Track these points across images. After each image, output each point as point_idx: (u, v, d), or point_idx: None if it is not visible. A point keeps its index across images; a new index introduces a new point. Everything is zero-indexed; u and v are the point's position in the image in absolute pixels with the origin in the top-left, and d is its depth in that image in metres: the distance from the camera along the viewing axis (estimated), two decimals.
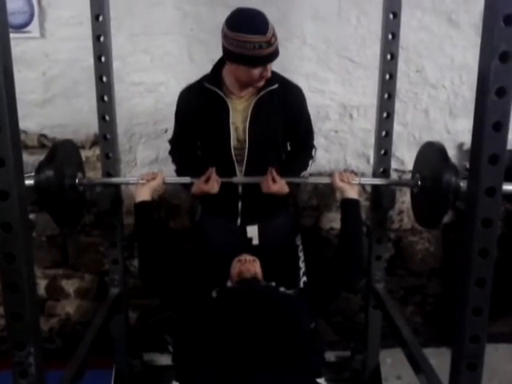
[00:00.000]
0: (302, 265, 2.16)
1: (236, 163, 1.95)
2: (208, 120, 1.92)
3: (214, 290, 1.71)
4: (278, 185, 1.89)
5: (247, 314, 1.54)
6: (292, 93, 1.95)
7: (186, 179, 1.96)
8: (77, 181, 1.86)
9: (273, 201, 1.99)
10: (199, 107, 1.92)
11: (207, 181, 1.89)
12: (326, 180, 2.04)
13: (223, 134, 1.90)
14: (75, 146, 2.00)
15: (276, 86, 1.89)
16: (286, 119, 1.94)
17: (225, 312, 1.58)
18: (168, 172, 2.36)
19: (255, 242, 2.06)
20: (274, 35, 1.70)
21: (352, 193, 1.89)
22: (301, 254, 2.18)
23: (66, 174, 1.79)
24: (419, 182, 1.84)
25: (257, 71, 1.76)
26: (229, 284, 1.82)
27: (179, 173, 2.06)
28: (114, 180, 2.04)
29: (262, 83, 1.84)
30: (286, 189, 1.92)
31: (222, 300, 1.65)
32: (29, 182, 1.62)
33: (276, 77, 1.90)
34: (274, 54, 1.74)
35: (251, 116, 1.88)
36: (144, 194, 1.87)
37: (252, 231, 2.06)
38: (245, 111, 1.90)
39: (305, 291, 1.79)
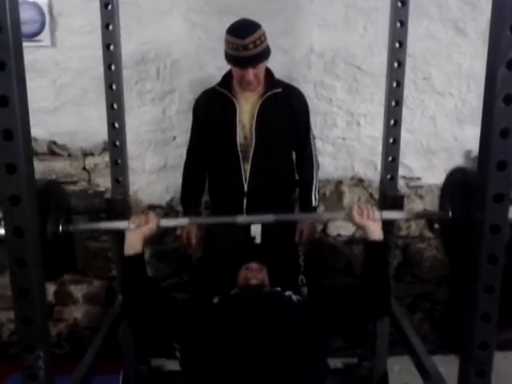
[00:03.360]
0: (302, 263, 2.27)
1: (242, 160, 2.09)
2: (218, 119, 2.09)
3: (215, 297, 1.71)
4: (307, 237, 2.22)
5: (249, 319, 1.54)
6: (294, 95, 2.13)
7: (185, 220, 1.86)
8: (60, 228, 1.59)
9: (276, 200, 2.15)
10: (211, 109, 2.10)
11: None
12: (342, 216, 1.79)
13: (230, 131, 2.07)
14: (61, 187, 1.75)
15: (280, 89, 2.07)
16: (288, 120, 2.10)
17: (227, 317, 1.58)
18: (175, 180, 2.40)
19: (258, 240, 2.11)
20: (253, 42, 1.88)
21: (376, 232, 1.65)
22: (301, 253, 2.27)
23: (48, 221, 1.51)
24: (450, 214, 1.62)
25: (240, 72, 1.96)
26: (234, 291, 1.83)
27: (182, 191, 2.27)
28: (103, 225, 1.91)
29: (252, 87, 2.02)
30: (313, 231, 2.30)
31: (224, 306, 1.66)
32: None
33: (279, 82, 2.12)
34: (251, 59, 1.92)
35: (257, 116, 2.05)
36: (135, 243, 1.63)
37: (255, 230, 2.11)
38: (251, 111, 2.07)
39: (309, 306, 1.68)
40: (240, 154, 2.09)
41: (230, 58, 1.95)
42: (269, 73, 2.07)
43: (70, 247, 1.74)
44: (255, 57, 1.91)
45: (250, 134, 2.07)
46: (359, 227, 1.71)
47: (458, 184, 1.60)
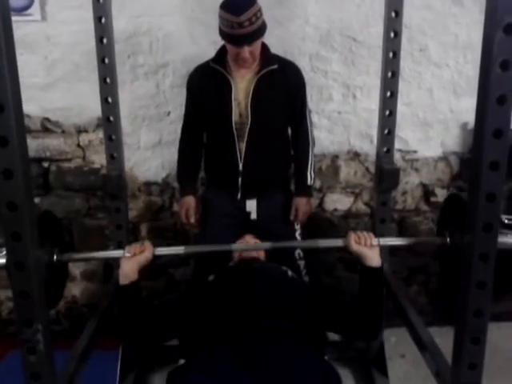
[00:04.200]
0: (298, 237, 2.27)
1: (237, 138, 2.07)
2: (213, 96, 2.05)
3: (210, 275, 1.72)
4: (303, 214, 2.20)
5: (243, 290, 1.56)
6: (291, 71, 2.09)
7: (180, 249, 1.77)
8: (55, 258, 1.56)
9: (271, 177, 2.17)
10: (205, 85, 2.06)
11: None
12: (339, 243, 1.74)
13: (226, 109, 2.03)
14: (55, 217, 1.68)
15: (276, 66, 2.02)
16: (284, 96, 2.07)
17: (222, 291, 1.60)
18: (170, 156, 2.39)
19: (253, 216, 2.20)
20: (249, 20, 1.80)
21: (373, 258, 1.64)
22: (297, 227, 2.27)
23: (42, 251, 1.44)
24: (448, 240, 1.58)
25: (235, 50, 1.91)
26: (229, 265, 1.84)
27: (179, 168, 2.26)
28: (98, 254, 1.89)
29: (247, 64, 1.97)
30: (309, 209, 2.24)
31: (219, 281, 1.67)
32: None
33: (275, 58, 2.05)
34: (246, 37, 1.86)
35: (253, 93, 2.01)
36: (129, 271, 1.60)
37: (251, 206, 2.19)
38: (247, 88, 2.02)
39: (311, 299, 1.68)
40: (235, 132, 2.06)
41: (224, 35, 1.90)
42: (265, 48, 2.02)
43: (63, 277, 1.71)
44: (251, 34, 1.85)
45: (246, 112, 2.04)
46: (355, 254, 1.67)
47: (455, 210, 1.55)
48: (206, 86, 2.06)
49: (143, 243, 1.67)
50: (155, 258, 1.67)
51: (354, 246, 1.64)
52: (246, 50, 1.89)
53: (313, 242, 1.87)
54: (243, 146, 2.07)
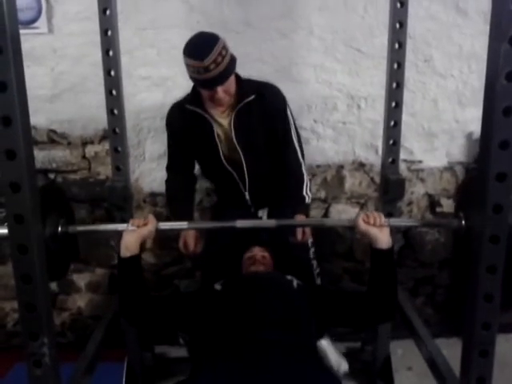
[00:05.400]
0: (310, 244, 2.19)
1: (234, 172, 2.05)
2: (196, 138, 2.02)
3: (218, 283, 1.72)
4: (306, 235, 2.05)
5: (247, 301, 1.56)
6: (268, 97, 1.99)
7: (184, 224, 1.80)
8: (59, 229, 1.57)
9: (276, 190, 2.12)
10: (185, 126, 2.02)
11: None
12: (347, 223, 1.69)
13: (212, 148, 2.01)
14: (60, 190, 1.74)
15: (252, 97, 1.95)
16: (265, 124, 2.00)
17: (228, 301, 1.59)
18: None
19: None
20: (214, 62, 1.74)
21: (383, 239, 1.53)
22: (310, 242, 2.19)
23: (47, 222, 1.48)
24: (463, 223, 1.51)
25: (208, 93, 1.86)
26: (235, 276, 1.84)
27: (171, 210, 2.18)
28: (102, 227, 1.90)
29: (224, 103, 1.92)
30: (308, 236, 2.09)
31: (226, 291, 1.66)
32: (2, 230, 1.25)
33: (250, 86, 1.97)
34: (216, 79, 1.80)
35: (234, 128, 1.97)
36: (131, 244, 1.58)
37: (263, 214, 2.18)
38: (228, 125, 1.99)
39: (319, 295, 1.68)
40: (228, 167, 2.03)
41: (194, 80, 1.85)
42: (239, 81, 1.95)
43: (69, 249, 1.70)
44: (220, 76, 1.79)
45: (232, 146, 2.00)
46: (365, 236, 1.58)
47: (472, 191, 1.44)
48: (187, 127, 2.01)
49: (146, 217, 1.66)
50: (158, 232, 1.67)
51: (363, 226, 1.55)
52: (219, 91, 1.83)
53: (319, 220, 1.87)
54: (243, 176, 2.05)
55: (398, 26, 1.90)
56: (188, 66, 1.79)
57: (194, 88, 1.97)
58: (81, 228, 1.71)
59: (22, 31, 1.10)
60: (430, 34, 2.34)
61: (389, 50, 1.95)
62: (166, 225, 1.73)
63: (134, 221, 1.63)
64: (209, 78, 1.78)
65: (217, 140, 1.99)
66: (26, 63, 1.11)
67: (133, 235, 1.59)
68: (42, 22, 2.26)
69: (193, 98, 1.99)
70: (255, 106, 1.96)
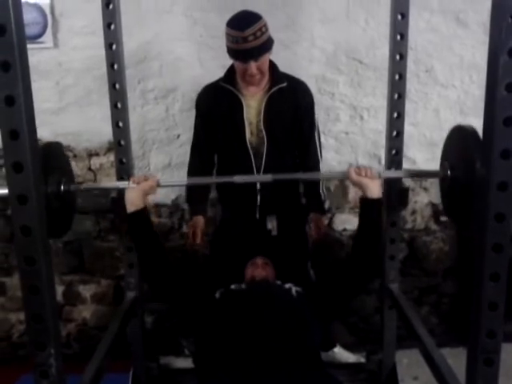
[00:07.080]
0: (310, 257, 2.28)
1: (253, 157, 2.07)
2: (224, 116, 2.05)
3: (217, 291, 1.72)
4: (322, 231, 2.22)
5: (246, 313, 1.56)
6: (300, 90, 2.08)
7: (183, 181, 1.90)
8: (62, 188, 1.58)
9: (288, 193, 2.16)
10: (215, 104, 2.06)
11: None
12: (340, 175, 1.84)
13: (238, 128, 2.04)
14: (61, 149, 1.76)
15: (285, 84, 2.02)
16: (294, 115, 2.07)
17: (227, 312, 1.59)
18: (180, 178, 2.41)
19: (274, 232, 2.19)
20: (253, 34, 1.82)
21: (374, 189, 1.63)
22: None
23: (49, 180, 1.49)
24: (449, 172, 1.60)
25: (242, 66, 1.92)
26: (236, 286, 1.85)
27: (188, 194, 2.26)
28: (103, 185, 1.96)
29: (255, 81, 1.97)
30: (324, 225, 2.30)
31: (225, 301, 1.67)
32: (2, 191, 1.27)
33: (285, 76, 2.05)
34: (252, 52, 1.86)
35: (264, 112, 2.01)
36: (135, 200, 1.64)
37: (271, 222, 2.20)
38: (258, 107, 2.03)
39: (315, 290, 1.75)
40: (251, 151, 2.06)
41: (230, 51, 1.91)
42: (273, 66, 2.03)
43: (71, 207, 1.73)
44: (256, 49, 1.86)
45: (257, 131, 2.05)
46: (357, 186, 1.68)
47: (456, 142, 1.59)
48: (216, 105, 2.06)
49: (146, 175, 1.73)
50: (159, 187, 1.72)
51: (355, 177, 1.64)
52: (252, 66, 1.89)
53: (314, 174, 2.01)
54: (260, 164, 2.07)
55: (398, 37, 1.91)
56: (228, 35, 1.87)
57: (229, 69, 2.05)
58: (83, 186, 1.77)
59: (28, 45, 1.12)
60: (431, 45, 2.36)
61: (390, 61, 1.96)
62: (166, 181, 1.80)
63: (135, 178, 1.71)
64: (245, 48, 1.85)
65: (245, 121, 2.03)
66: (31, 77, 1.13)
67: (135, 191, 1.66)
68: (47, 37, 2.30)
69: (227, 76, 2.05)
70: (287, 94, 2.03)
